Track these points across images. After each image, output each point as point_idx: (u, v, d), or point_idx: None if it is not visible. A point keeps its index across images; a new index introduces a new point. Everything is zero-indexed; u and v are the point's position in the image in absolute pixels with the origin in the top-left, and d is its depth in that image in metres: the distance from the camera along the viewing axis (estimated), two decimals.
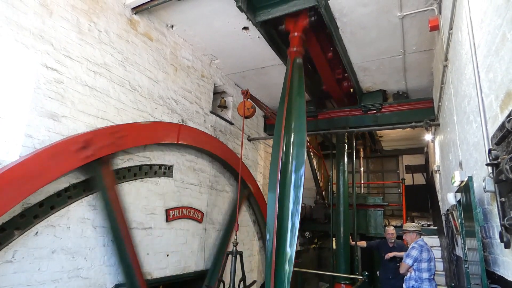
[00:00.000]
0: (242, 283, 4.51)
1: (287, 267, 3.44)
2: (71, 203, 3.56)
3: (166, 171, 4.93)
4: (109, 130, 3.86)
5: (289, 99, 4.15)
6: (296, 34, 4.67)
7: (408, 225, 5.35)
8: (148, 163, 4.62)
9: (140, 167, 4.47)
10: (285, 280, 3.38)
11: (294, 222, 3.54)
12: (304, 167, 3.78)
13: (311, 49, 5.44)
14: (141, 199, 4.45)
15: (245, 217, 7.02)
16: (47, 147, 3.20)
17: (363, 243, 7.11)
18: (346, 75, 6.49)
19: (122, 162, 4.21)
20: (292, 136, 3.97)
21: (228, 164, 6.12)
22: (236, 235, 4.62)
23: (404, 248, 5.82)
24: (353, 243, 7.34)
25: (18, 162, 2.94)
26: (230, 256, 4.52)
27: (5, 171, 2.81)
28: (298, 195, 3.66)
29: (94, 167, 3.65)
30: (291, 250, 3.46)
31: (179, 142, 4.92)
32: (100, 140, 3.65)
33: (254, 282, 5.10)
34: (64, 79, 3.56)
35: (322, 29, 4.83)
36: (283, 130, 3.95)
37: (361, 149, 11.95)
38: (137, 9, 4.51)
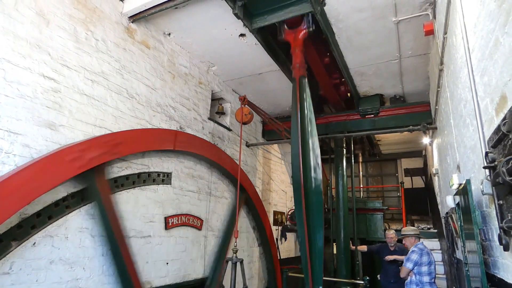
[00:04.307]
0: None
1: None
2: (69, 213, 3.53)
3: (164, 178, 4.92)
4: (103, 139, 3.81)
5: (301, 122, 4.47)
6: (297, 50, 4.67)
7: (407, 229, 5.33)
8: (147, 170, 4.60)
9: (139, 175, 4.46)
10: (320, 269, 4.05)
11: (320, 221, 4.16)
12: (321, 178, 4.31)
13: (308, 54, 5.47)
14: (139, 207, 4.43)
15: (244, 224, 7.00)
16: (42, 157, 3.17)
17: (363, 248, 7.08)
18: (343, 79, 6.53)
19: (120, 170, 4.20)
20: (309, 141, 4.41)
21: (227, 170, 6.11)
22: (235, 242, 4.60)
23: (405, 251, 5.79)
24: (354, 247, 7.31)
25: (11, 173, 2.91)
26: (230, 263, 4.49)
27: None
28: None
29: (89, 177, 3.61)
30: (320, 243, 4.10)
31: (176, 149, 4.92)
32: (94, 149, 3.61)
33: None
34: (61, 88, 3.57)
35: (319, 34, 4.87)
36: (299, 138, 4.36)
37: (360, 154, 11.98)
38: (134, 18, 4.54)
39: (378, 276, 6.41)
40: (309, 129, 4.38)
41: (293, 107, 4.57)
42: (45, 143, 3.34)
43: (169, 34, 5.21)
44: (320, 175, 4.28)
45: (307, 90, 4.58)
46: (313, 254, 4.11)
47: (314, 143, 4.36)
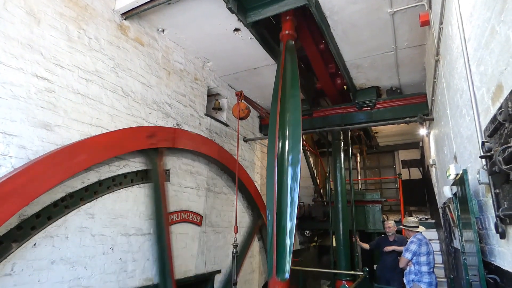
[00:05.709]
0: None
1: (288, 240, 3.55)
2: (68, 213, 3.53)
3: None
4: (160, 129, 4.69)
5: (283, 80, 4.45)
6: (288, 17, 4.83)
7: (408, 221, 5.35)
8: (145, 168, 4.59)
9: (137, 173, 4.44)
10: (286, 252, 3.47)
11: (293, 197, 3.68)
12: (300, 145, 3.95)
13: (305, 44, 5.48)
14: (139, 205, 4.43)
15: (244, 218, 7.02)
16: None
17: (365, 246, 6.98)
18: (339, 72, 6.52)
19: (118, 168, 4.19)
20: (287, 116, 4.17)
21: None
22: (235, 237, 4.62)
23: (405, 242, 5.83)
24: (355, 239, 7.27)
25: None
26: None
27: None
28: (296, 172, 3.78)
29: (153, 155, 4.44)
30: (291, 223, 3.56)
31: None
32: (160, 134, 4.55)
33: None
34: (55, 88, 3.53)
35: (314, 22, 4.84)
36: (278, 109, 4.20)
37: (358, 153, 12.07)
38: (126, 15, 4.49)
39: (375, 266, 6.44)
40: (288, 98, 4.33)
41: (277, 72, 4.62)
42: (41, 143, 3.32)
43: (163, 30, 5.16)
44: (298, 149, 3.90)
45: (294, 54, 4.67)
46: (280, 234, 3.50)
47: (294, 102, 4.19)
